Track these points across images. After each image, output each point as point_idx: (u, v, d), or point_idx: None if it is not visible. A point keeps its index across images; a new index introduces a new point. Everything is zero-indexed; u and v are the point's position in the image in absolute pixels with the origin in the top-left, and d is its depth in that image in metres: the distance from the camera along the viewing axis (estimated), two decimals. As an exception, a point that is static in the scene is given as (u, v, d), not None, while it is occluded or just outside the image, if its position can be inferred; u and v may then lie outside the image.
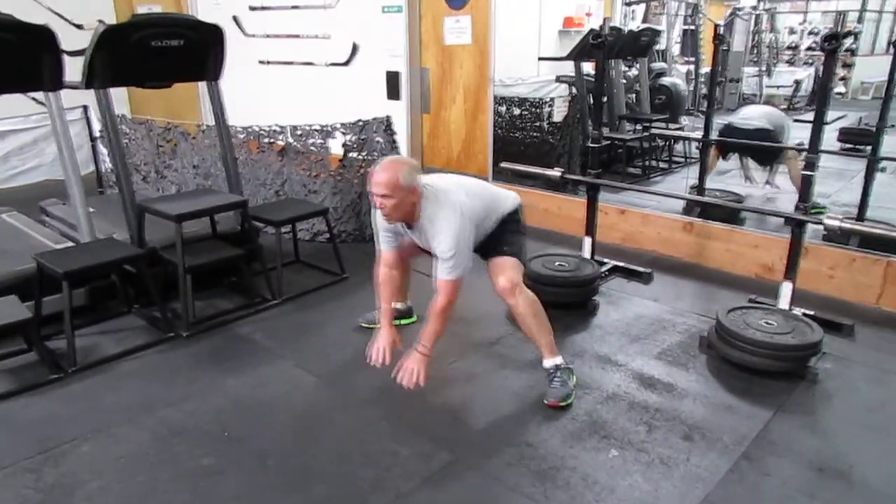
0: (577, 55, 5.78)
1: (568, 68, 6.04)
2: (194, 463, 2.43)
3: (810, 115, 3.18)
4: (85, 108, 5.39)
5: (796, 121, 5.91)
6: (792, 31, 9.06)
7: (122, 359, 3.18)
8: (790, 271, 3.26)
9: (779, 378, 2.93)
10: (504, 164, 4.54)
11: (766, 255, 4.05)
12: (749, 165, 5.54)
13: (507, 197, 2.99)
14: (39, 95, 3.46)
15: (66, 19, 6.16)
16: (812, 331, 3.00)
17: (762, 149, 5.09)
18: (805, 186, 3.16)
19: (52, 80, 3.31)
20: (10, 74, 3.15)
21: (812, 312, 3.35)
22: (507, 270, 2.80)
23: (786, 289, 3.27)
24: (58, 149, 3.51)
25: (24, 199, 5.09)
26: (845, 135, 5.74)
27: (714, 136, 5.19)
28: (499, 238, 2.88)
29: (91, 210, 3.71)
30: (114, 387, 2.95)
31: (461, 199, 2.68)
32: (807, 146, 3.15)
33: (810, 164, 3.11)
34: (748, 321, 3.07)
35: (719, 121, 5.38)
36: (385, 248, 2.92)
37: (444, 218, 2.62)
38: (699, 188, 5.13)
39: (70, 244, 3.75)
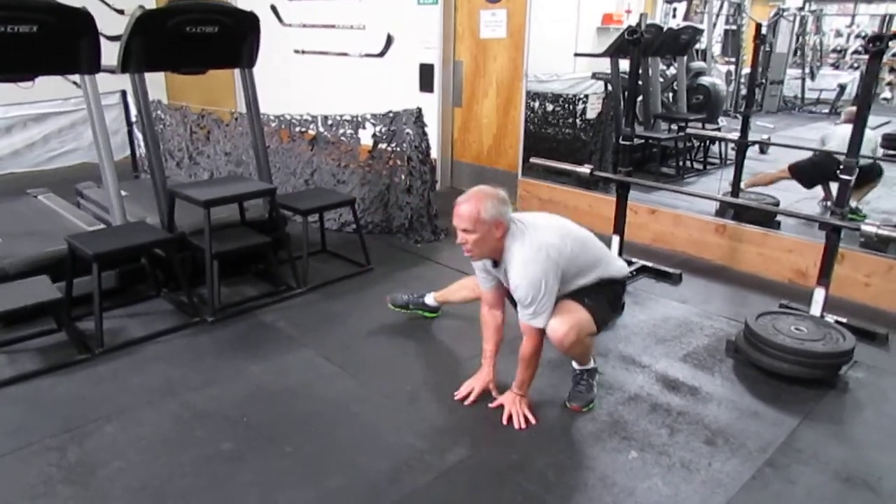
0: (615, 52, 5.70)
1: (605, 65, 5.96)
2: (214, 448, 2.45)
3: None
4: (123, 92, 5.47)
5: (838, 124, 5.73)
6: (838, 34, 8.81)
7: (148, 342, 3.22)
8: (823, 277, 3.17)
9: (807, 386, 2.86)
10: (534, 160, 4.49)
11: (800, 260, 3.95)
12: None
13: (617, 261, 2.78)
14: (78, 78, 3.52)
15: (107, 4, 6.30)
16: (844, 339, 2.91)
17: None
18: (842, 191, 3.06)
19: (88, 64, 3.36)
20: (48, 57, 3.21)
21: (845, 320, 3.27)
22: (573, 319, 2.49)
23: (818, 295, 3.18)
24: (92, 132, 3.57)
25: (61, 181, 5.20)
26: (889, 140, 5.56)
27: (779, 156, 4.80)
28: (588, 290, 2.60)
29: (124, 194, 3.78)
30: (139, 369, 2.99)
31: (550, 241, 2.44)
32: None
33: (849, 169, 3.01)
34: (778, 326, 2.99)
35: (812, 144, 5.01)
36: (482, 286, 2.74)
37: (526, 260, 2.40)
38: (734, 190, 5.02)
39: (102, 227, 3.82)
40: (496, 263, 2.55)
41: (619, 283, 2.73)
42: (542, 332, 2.50)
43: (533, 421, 2.61)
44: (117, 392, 2.80)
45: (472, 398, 2.74)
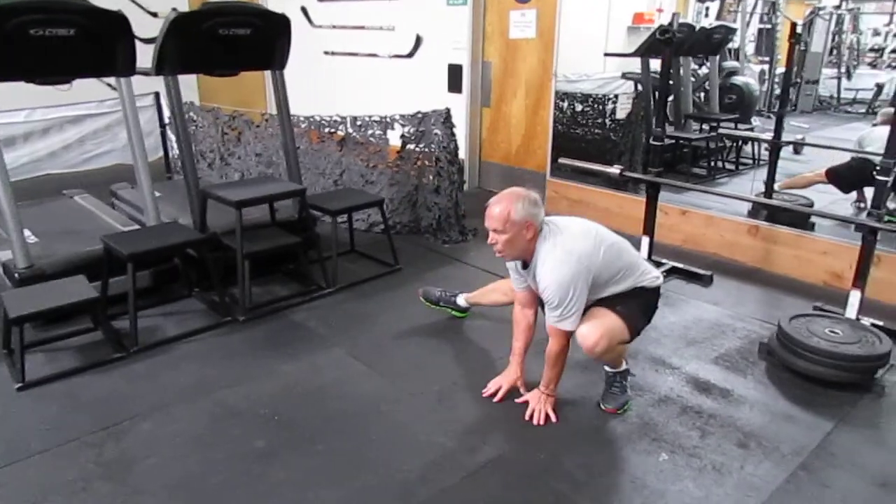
0: (645, 51, 5.64)
1: (635, 65, 5.91)
2: (247, 445, 2.48)
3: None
4: (156, 94, 5.56)
5: (875, 125, 5.61)
6: (876, 33, 8.62)
7: (181, 340, 3.28)
8: (859, 279, 3.11)
9: (842, 389, 2.81)
10: (562, 160, 4.48)
11: (835, 263, 3.88)
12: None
13: (652, 271, 2.67)
14: (113, 81, 3.59)
15: (141, 6, 6.41)
16: (880, 342, 2.85)
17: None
18: (879, 192, 3.00)
19: (124, 66, 3.42)
20: (85, 59, 3.27)
21: (882, 323, 3.20)
22: (604, 326, 2.46)
23: (854, 297, 3.12)
24: (127, 134, 3.64)
25: (96, 182, 5.30)
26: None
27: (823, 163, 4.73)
28: (621, 298, 2.56)
29: (157, 195, 3.84)
30: (173, 367, 3.04)
31: (582, 246, 2.42)
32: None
33: (885, 170, 2.95)
34: (812, 329, 2.94)
35: (848, 145, 4.90)
36: (515, 286, 2.73)
37: (556, 263, 2.39)
38: (767, 191, 4.95)
39: (136, 227, 3.89)
40: (525, 265, 2.55)
41: (652, 291, 2.66)
42: (568, 335, 2.49)
43: (553, 419, 2.61)
44: (152, 390, 2.85)
45: (499, 395, 2.76)
